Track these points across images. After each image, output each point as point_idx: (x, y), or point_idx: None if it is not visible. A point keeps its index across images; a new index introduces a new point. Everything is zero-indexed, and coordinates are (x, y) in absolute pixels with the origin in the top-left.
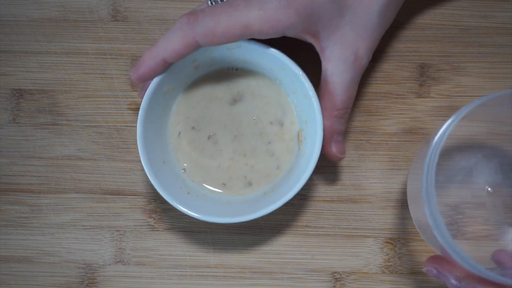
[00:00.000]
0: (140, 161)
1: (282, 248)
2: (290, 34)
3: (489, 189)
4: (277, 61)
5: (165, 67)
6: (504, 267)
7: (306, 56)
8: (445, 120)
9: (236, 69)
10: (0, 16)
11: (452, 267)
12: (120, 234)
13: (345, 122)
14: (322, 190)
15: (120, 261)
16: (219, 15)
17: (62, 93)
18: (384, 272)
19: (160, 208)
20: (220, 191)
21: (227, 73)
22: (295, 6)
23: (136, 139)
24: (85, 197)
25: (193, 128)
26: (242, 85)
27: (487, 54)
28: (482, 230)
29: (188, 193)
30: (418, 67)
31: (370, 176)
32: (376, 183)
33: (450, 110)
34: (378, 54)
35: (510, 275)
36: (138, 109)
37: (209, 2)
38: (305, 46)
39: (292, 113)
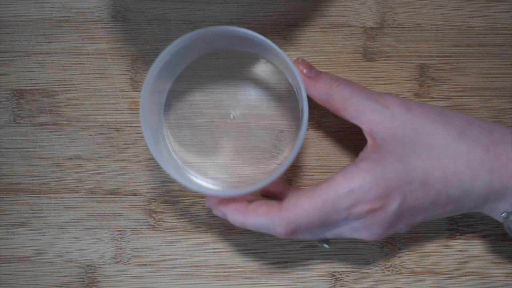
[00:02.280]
0: (140, 161)
1: (282, 248)
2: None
3: (232, 115)
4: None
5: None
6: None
7: None
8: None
9: None
10: (0, 16)
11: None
12: (120, 234)
13: None
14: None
15: (120, 261)
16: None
17: (63, 93)
18: (384, 272)
19: (161, 208)
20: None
21: None
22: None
23: (136, 139)
24: (85, 197)
25: None
26: None
27: (486, 54)
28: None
29: None
30: (418, 67)
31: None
32: None
33: None
34: (378, 54)
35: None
36: (138, 109)
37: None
38: None
39: None
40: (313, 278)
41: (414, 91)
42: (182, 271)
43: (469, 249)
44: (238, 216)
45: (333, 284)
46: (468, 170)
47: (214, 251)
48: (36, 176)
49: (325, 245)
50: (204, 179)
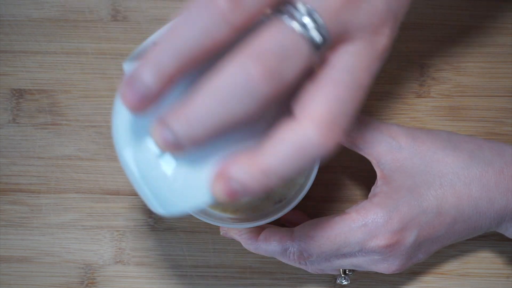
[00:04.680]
0: None
1: None
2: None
3: None
4: None
5: None
6: None
7: None
8: None
9: None
10: (0, 16)
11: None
12: (120, 234)
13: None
14: (322, 190)
15: (120, 261)
16: None
17: (62, 93)
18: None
19: None
20: None
21: None
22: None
23: None
24: (85, 197)
25: None
26: None
27: (487, 54)
28: None
29: None
30: (418, 67)
31: (370, 176)
32: None
33: (451, 110)
34: None
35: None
36: None
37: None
38: None
39: None
40: (313, 278)
41: (414, 91)
42: (182, 271)
43: (469, 250)
44: (251, 245)
45: (333, 284)
46: (484, 194)
47: (214, 251)
48: (35, 176)
49: (344, 282)
50: (217, 210)
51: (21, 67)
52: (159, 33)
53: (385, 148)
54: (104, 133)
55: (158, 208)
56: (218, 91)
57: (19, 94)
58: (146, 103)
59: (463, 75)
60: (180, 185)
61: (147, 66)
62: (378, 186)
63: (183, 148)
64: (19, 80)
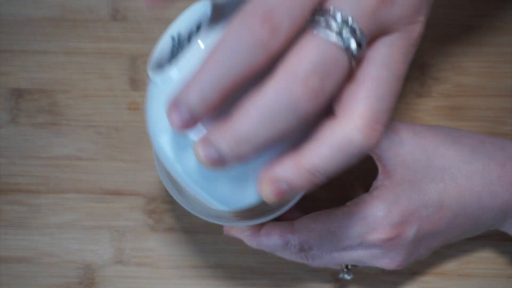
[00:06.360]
0: (139, 161)
1: None
2: None
3: None
4: None
5: None
6: None
7: None
8: None
9: None
10: None
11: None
12: (119, 234)
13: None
14: (322, 190)
15: (119, 261)
16: None
17: (62, 92)
18: (384, 272)
19: (160, 208)
20: None
21: None
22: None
23: (135, 139)
24: (84, 197)
25: None
26: None
27: (487, 54)
28: None
29: None
30: (418, 67)
31: (370, 176)
32: None
33: (451, 110)
34: None
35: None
36: (137, 108)
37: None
38: None
39: None
40: (313, 278)
41: (415, 90)
42: (182, 271)
43: (470, 250)
44: (253, 241)
45: (333, 284)
46: (486, 187)
47: (214, 251)
48: (34, 176)
49: (346, 276)
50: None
51: (20, 66)
52: (175, 27)
53: (386, 143)
54: (104, 133)
55: (215, 203)
56: (264, 111)
57: (18, 93)
58: (191, 125)
59: (464, 75)
60: (233, 183)
61: (192, 94)
62: (379, 180)
63: (227, 164)
64: (19, 80)
